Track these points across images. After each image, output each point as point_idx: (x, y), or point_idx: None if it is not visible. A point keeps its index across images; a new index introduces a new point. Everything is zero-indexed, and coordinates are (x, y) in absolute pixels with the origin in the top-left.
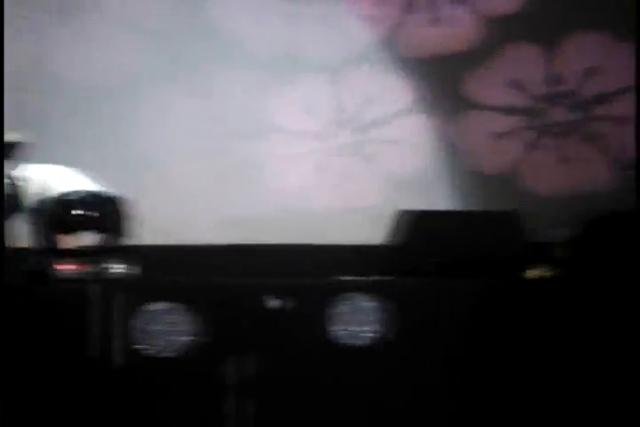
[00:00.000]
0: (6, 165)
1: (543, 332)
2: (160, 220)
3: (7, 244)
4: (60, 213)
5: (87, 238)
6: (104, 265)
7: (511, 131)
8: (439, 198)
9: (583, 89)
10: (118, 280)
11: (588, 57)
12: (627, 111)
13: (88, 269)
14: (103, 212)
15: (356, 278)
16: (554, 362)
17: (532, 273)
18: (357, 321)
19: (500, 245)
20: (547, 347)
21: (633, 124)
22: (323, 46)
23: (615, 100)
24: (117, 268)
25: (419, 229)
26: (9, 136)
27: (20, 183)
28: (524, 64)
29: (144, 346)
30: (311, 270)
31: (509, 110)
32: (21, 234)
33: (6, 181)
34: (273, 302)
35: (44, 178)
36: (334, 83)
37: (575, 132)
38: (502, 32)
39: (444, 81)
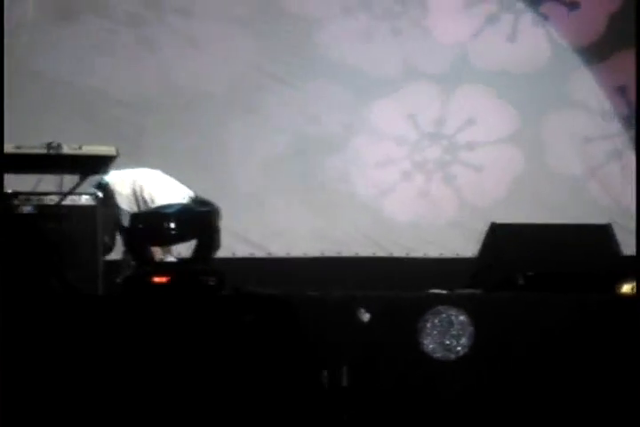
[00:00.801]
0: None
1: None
2: (252, 232)
3: (104, 256)
4: (155, 227)
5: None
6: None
7: None
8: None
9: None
10: (209, 291)
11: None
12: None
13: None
14: (197, 225)
15: (448, 292)
16: None
17: (625, 288)
18: (449, 334)
19: (592, 259)
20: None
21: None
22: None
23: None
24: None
25: (511, 242)
26: (102, 149)
27: (109, 187)
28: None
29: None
30: (403, 283)
31: None
32: (118, 246)
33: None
34: (364, 315)
35: (134, 179)
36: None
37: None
38: None
39: None
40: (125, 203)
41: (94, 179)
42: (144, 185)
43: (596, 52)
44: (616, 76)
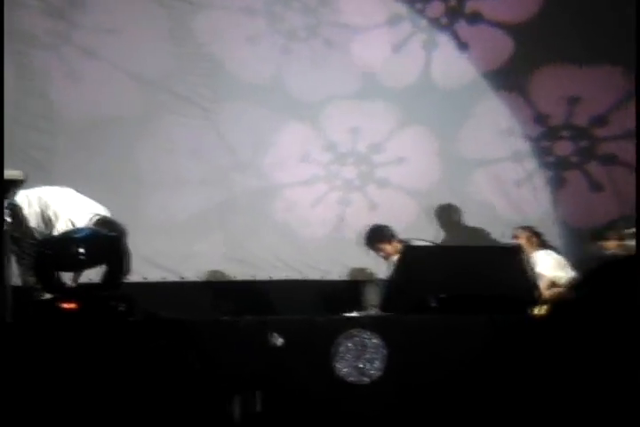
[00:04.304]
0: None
1: (546, 369)
2: (164, 256)
3: (8, 281)
4: (63, 252)
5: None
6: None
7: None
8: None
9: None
10: (119, 317)
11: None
12: None
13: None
14: (106, 250)
15: (361, 315)
16: (556, 398)
17: (539, 309)
18: (362, 358)
19: (503, 280)
20: (550, 383)
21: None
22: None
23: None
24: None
25: (423, 264)
26: (10, 174)
27: (17, 208)
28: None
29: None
30: (317, 306)
31: None
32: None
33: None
34: (277, 340)
35: (39, 196)
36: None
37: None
38: None
39: None
40: (33, 221)
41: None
42: (49, 202)
43: (507, 77)
44: (527, 100)
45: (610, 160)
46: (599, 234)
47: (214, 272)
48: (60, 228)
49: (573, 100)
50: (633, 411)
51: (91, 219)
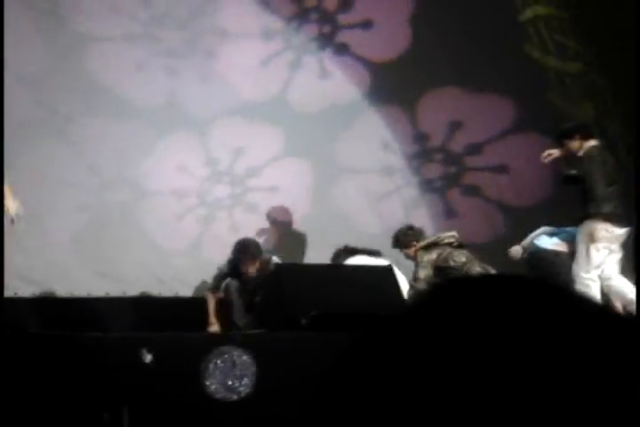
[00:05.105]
0: None
1: None
2: (35, 272)
3: None
4: None
5: None
6: None
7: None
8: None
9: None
10: None
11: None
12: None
13: None
14: None
15: (231, 332)
16: None
17: None
18: (231, 375)
19: (373, 299)
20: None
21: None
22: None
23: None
24: None
25: (295, 282)
26: None
27: None
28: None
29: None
30: (189, 323)
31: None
32: None
33: None
34: (146, 356)
35: None
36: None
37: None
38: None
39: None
40: None
41: None
42: None
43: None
44: (405, 115)
45: (471, 191)
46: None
47: (85, 288)
48: None
49: (455, 125)
50: None
51: None
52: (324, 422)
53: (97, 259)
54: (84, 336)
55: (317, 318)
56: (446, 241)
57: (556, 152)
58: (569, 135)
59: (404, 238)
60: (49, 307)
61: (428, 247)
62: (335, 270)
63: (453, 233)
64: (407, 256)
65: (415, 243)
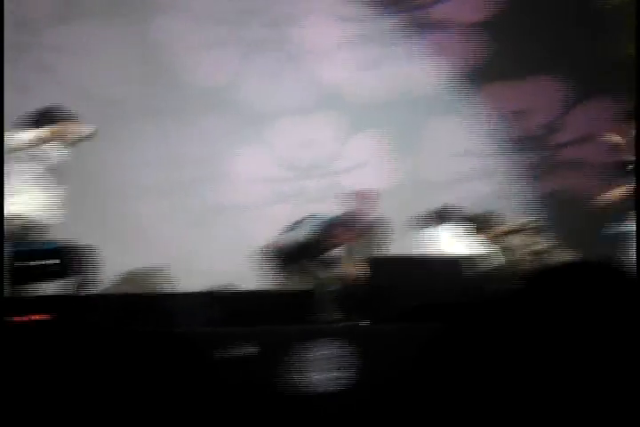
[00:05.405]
0: None
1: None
2: (126, 268)
3: None
4: (20, 264)
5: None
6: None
7: None
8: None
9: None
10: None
11: None
12: None
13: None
14: (65, 261)
15: (326, 325)
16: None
17: None
18: (330, 368)
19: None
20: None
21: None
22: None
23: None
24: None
25: (389, 273)
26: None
27: None
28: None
29: None
30: (284, 316)
31: None
32: None
33: None
34: (241, 351)
35: None
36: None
37: None
38: None
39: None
40: None
41: None
42: None
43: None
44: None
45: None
46: None
47: (178, 284)
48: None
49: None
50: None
51: None
52: None
53: (190, 255)
54: (187, 332)
55: (419, 309)
56: (529, 226)
57: None
58: None
59: (484, 224)
60: (136, 303)
61: (510, 233)
62: (423, 261)
63: (535, 218)
64: (486, 241)
65: (495, 228)
